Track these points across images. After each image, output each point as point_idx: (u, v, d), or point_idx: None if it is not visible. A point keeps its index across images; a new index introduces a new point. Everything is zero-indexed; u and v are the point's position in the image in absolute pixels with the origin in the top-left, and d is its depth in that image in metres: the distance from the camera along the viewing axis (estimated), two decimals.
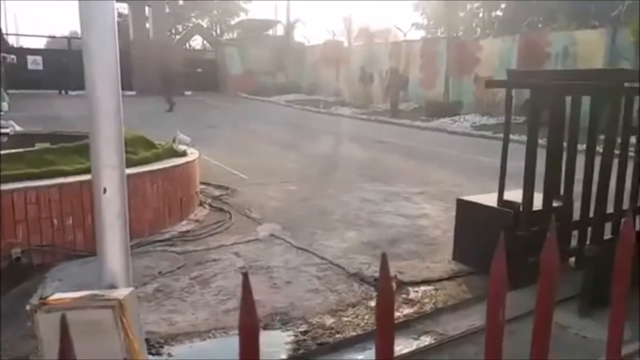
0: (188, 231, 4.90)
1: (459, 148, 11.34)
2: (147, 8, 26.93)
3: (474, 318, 3.16)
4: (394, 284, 2.96)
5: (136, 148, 5.15)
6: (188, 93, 25.86)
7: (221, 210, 5.64)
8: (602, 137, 3.54)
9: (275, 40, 31.90)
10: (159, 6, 27.66)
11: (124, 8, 27.24)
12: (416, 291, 3.62)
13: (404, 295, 3.51)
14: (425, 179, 7.70)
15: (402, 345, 2.84)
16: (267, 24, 34.33)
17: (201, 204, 5.80)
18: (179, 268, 3.95)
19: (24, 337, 2.77)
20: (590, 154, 3.60)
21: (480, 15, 28.12)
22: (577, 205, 3.89)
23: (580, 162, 3.70)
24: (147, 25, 27.48)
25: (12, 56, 23.89)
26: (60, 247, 4.03)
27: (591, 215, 3.70)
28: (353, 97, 22.69)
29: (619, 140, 3.56)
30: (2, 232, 3.79)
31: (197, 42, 36.47)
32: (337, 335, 2.97)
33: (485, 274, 3.71)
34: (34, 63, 24.47)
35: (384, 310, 0.78)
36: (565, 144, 3.86)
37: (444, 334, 3.00)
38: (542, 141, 3.70)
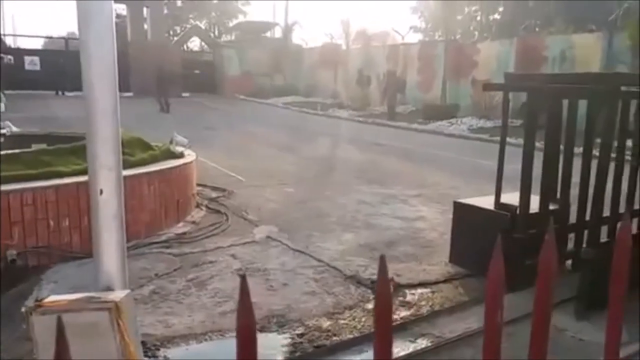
0: (185, 233, 4.89)
1: (455, 151, 11.36)
2: (145, 9, 26.92)
3: (471, 321, 3.16)
4: (391, 287, 2.96)
5: (133, 149, 5.14)
6: (186, 94, 25.84)
7: (218, 212, 5.63)
8: (598, 140, 3.54)
9: (273, 42, 31.91)
10: (157, 7, 27.66)
11: (122, 9, 27.20)
12: (413, 294, 3.61)
13: (401, 298, 3.51)
14: (422, 181, 7.70)
15: (399, 348, 2.84)
16: (265, 26, 34.34)
17: (198, 205, 5.79)
18: (175, 270, 3.93)
19: (19, 340, 2.75)
20: (586, 157, 3.60)
21: (478, 18, 28.23)
22: (573, 208, 3.91)
23: (577, 165, 3.71)
24: (145, 26, 27.46)
25: (10, 56, 23.83)
26: (56, 248, 4.01)
27: (587, 218, 3.71)
28: (350, 100, 22.73)
29: (615, 143, 3.56)
30: None
31: (195, 43, 36.47)
32: (334, 338, 2.96)
33: (482, 277, 3.72)
34: (31, 64, 24.41)
35: (382, 312, 0.78)
36: (562, 147, 3.87)
37: (441, 336, 2.99)
38: (539, 144, 3.71)
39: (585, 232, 3.80)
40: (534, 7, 23.17)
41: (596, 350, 2.77)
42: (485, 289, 0.85)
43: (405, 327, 3.08)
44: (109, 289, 2.10)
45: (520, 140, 3.87)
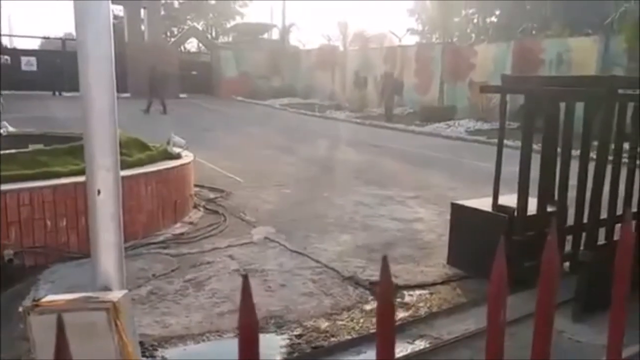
0: (182, 234, 4.88)
1: (453, 153, 11.38)
2: (142, 10, 26.88)
3: (469, 322, 3.16)
4: None
5: (130, 150, 5.13)
6: (183, 96, 25.82)
7: (216, 213, 5.62)
8: (596, 143, 3.55)
9: (270, 44, 31.92)
10: (155, 8, 27.62)
11: (119, 10, 27.15)
12: (411, 295, 3.62)
13: (399, 299, 3.51)
14: (420, 183, 7.71)
15: (397, 349, 2.83)
16: (263, 28, 34.36)
17: (196, 206, 5.78)
18: (173, 271, 3.93)
19: (17, 339, 2.74)
20: (584, 159, 3.62)
21: (475, 21, 28.32)
22: (571, 211, 3.91)
23: (574, 167, 3.72)
24: (142, 27, 27.42)
25: (6, 57, 23.76)
26: (53, 248, 4.00)
27: (585, 220, 3.72)
28: (348, 101, 22.75)
29: (612, 146, 3.58)
30: None
31: (192, 44, 36.46)
32: (332, 339, 2.96)
33: (480, 278, 3.73)
34: (28, 64, 24.34)
35: (385, 312, 0.78)
36: (559, 150, 3.88)
37: (439, 338, 3.00)
38: (536, 146, 3.71)
39: (583, 234, 3.80)
40: (531, 10, 23.28)
41: (593, 352, 2.79)
42: (488, 289, 0.85)
43: (404, 329, 3.08)
44: (107, 289, 2.09)
45: (518, 143, 3.89)
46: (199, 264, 4.10)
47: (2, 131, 6.27)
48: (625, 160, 3.63)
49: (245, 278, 0.74)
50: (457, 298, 3.59)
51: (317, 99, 24.80)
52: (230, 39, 36.01)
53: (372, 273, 3.92)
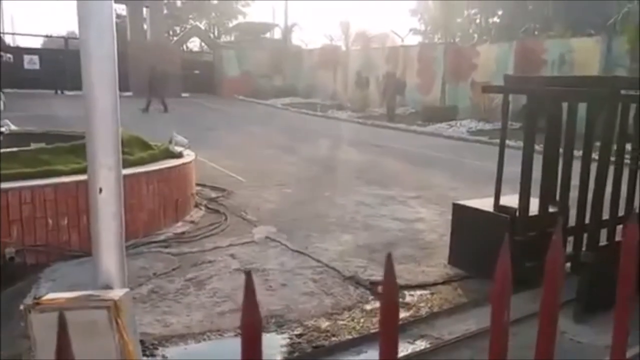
0: (183, 233, 4.88)
1: (454, 153, 11.36)
2: (144, 9, 26.93)
3: (470, 322, 3.16)
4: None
5: (132, 149, 5.13)
6: (185, 95, 25.84)
7: (217, 212, 5.63)
8: (598, 143, 3.55)
9: (272, 43, 31.93)
10: (157, 7, 27.65)
11: (121, 9, 27.19)
12: (412, 295, 3.62)
13: (400, 299, 3.50)
14: (421, 183, 7.70)
15: (398, 349, 2.83)
16: (265, 27, 34.37)
17: (197, 205, 5.78)
18: (174, 269, 3.93)
19: (17, 338, 2.74)
20: (586, 160, 3.61)
21: (478, 21, 28.28)
22: (572, 211, 3.91)
23: (576, 168, 3.71)
24: (145, 26, 27.47)
25: (9, 55, 23.77)
26: (54, 247, 4.01)
27: (587, 221, 3.71)
28: (350, 101, 22.73)
29: (614, 147, 3.57)
30: None
31: (194, 44, 36.45)
32: (333, 339, 2.96)
33: (481, 279, 3.72)
34: (31, 62, 24.37)
35: (389, 311, 0.78)
36: (561, 150, 3.87)
37: (440, 338, 2.99)
38: (538, 147, 3.71)
39: (585, 235, 3.80)
40: (533, 11, 23.24)
41: (594, 353, 2.78)
42: (492, 288, 0.85)
43: (405, 329, 3.08)
44: (108, 287, 2.09)
45: (520, 143, 3.88)
46: (200, 263, 4.10)
47: (4, 129, 6.28)
48: (627, 161, 3.62)
49: (248, 275, 0.73)
50: (458, 298, 3.59)
51: (319, 98, 24.79)
52: (233, 38, 36.02)
53: (373, 273, 3.92)
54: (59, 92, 23.87)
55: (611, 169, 3.56)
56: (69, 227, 4.09)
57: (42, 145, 5.08)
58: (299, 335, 2.99)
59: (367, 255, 4.36)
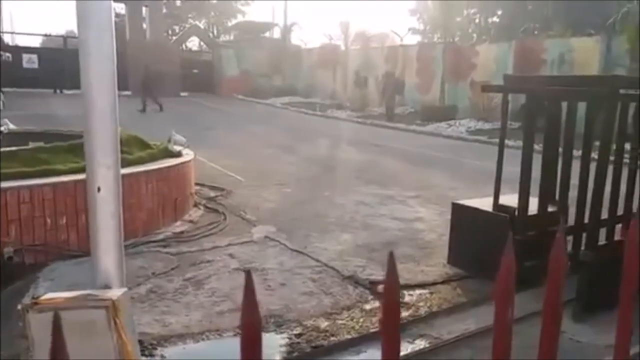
0: (182, 232, 4.88)
1: (454, 152, 11.36)
2: (144, 8, 26.89)
3: (469, 322, 3.16)
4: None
5: (131, 148, 5.12)
6: (184, 94, 25.83)
7: (216, 211, 5.62)
8: (597, 143, 3.55)
9: (272, 42, 31.89)
10: (156, 7, 27.62)
11: (121, 8, 27.15)
12: (411, 294, 3.61)
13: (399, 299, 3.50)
14: (420, 182, 7.70)
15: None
16: (264, 27, 34.34)
17: (196, 205, 5.78)
18: (172, 269, 3.92)
19: (16, 337, 2.74)
20: (585, 159, 3.61)
21: (477, 21, 28.25)
22: (572, 210, 3.91)
23: (575, 167, 3.71)
24: (144, 25, 27.43)
25: (8, 54, 23.74)
26: (53, 246, 4.00)
27: (586, 220, 3.71)
28: (349, 100, 22.72)
29: (614, 146, 3.57)
30: None
31: (193, 43, 36.41)
32: (332, 338, 2.96)
33: (480, 278, 3.72)
34: (30, 61, 24.34)
35: (390, 309, 0.77)
36: (560, 150, 3.87)
37: (439, 337, 2.99)
38: (537, 147, 3.70)
39: (584, 234, 3.80)
40: (533, 10, 23.23)
41: (594, 352, 2.78)
42: (495, 286, 0.84)
43: (404, 328, 3.07)
44: (106, 287, 2.09)
45: (519, 143, 3.88)
46: (198, 262, 4.09)
47: (3, 128, 6.27)
48: (626, 160, 3.62)
49: (248, 274, 0.72)
50: (458, 298, 3.59)
51: (318, 98, 24.79)
52: (232, 37, 35.98)
53: (372, 272, 3.92)
54: (57, 91, 23.85)
55: (610, 168, 3.56)
56: (68, 227, 4.09)
57: (41, 144, 5.07)
58: (298, 335, 2.98)
59: (366, 255, 4.36)
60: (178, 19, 38.05)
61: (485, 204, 3.97)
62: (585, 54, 14.80)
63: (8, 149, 4.59)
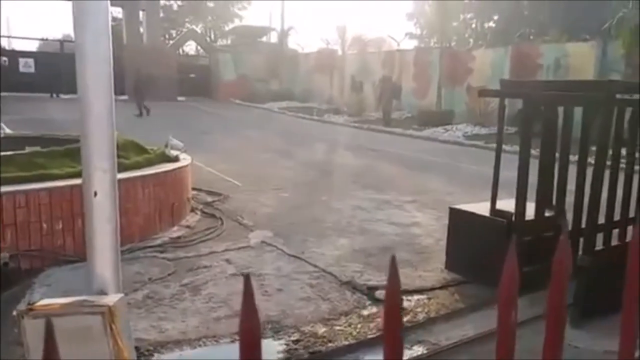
0: (179, 237, 4.86)
1: (450, 157, 11.38)
2: (141, 12, 26.90)
3: (467, 328, 3.15)
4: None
5: (128, 152, 5.11)
6: (181, 98, 25.82)
7: (213, 216, 5.60)
8: (594, 148, 3.56)
9: (269, 47, 31.94)
10: (153, 11, 27.64)
11: (118, 12, 27.16)
12: (409, 300, 3.60)
13: None
14: (417, 187, 7.71)
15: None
16: (261, 31, 34.40)
17: (193, 209, 5.76)
18: (169, 274, 3.90)
19: (11, 344, 2.72)
20: (582, 164, 3.62)
21: (473, 26, 28.39)
22: (569, 216, 3.91)
23: (572, 172, 3.72)
24: (141, 29, 27.43)
25: (4, 58, 23.73)
26: (49, 251, 3.97)
27: (583, 225, 3.72)
28: (346, 105, 22.75)
29: (610, 151, 3.58)
30: None
31: (190, 47, 36.43)
32: (330, 344, 2.94)
33: (477, 283, 3.72)
34: (26, 66, 24.30)
35: (391, 313, 0.77)
36: (557, 155, 3.88)
37: (437, 343, 2.98)
38: (534, 151, 3.71)
39: (581, 239, 3.80)
40: (529, 16, 23.37)
41: (591, 358, 2.77)
42: (498, 290, 0.84)
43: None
44: (103, 292, 2.07)
45: (515, 148, 3.89)
46: (195, 268, 4.07)
47: None
48: (623, 165, 3.63)
49: (247, 278, 0.71)
50: (455, 303, 3.58)
51: (315, 102, 24.82)
52: (229, 41, 36.01)
53: (370, 277, 3.91)
54: (54, 95, 23.79)
55: (607, 173, 3.57)
56: (64, 232, 4.06)
57: (37, 148, 5.06)
58: (296, 341, 2.97)
59: (363, 260, 4.35)
60: (175, 23, 38.09)
61: (482, 208, 3.97)
62: (581, 59, 14.88)
63: (4, 153, 4.57)
